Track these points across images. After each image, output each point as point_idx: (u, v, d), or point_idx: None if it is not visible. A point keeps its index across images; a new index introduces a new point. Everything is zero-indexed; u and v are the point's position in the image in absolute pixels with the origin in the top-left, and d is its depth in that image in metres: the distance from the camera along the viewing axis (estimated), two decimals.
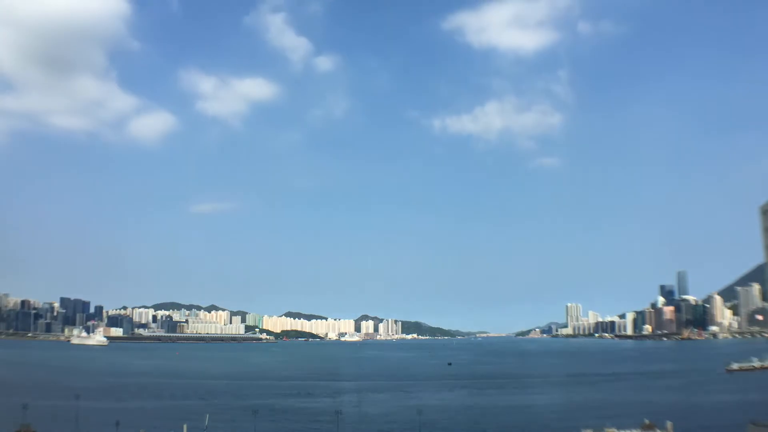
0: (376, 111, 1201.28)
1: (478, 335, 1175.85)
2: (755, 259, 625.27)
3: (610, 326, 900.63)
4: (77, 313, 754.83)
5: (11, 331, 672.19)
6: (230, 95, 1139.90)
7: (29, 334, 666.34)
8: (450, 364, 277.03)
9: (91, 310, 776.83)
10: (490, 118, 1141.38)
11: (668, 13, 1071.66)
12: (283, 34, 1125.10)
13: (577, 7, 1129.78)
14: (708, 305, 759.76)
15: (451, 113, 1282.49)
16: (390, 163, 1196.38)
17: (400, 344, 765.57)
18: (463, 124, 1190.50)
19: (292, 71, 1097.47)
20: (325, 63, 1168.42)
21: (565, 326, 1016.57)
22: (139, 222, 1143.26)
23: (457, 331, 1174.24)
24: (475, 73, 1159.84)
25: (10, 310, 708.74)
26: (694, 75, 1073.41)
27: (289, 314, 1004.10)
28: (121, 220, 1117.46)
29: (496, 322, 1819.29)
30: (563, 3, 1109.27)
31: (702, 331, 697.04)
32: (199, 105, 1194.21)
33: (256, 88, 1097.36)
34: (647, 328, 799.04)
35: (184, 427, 78.60)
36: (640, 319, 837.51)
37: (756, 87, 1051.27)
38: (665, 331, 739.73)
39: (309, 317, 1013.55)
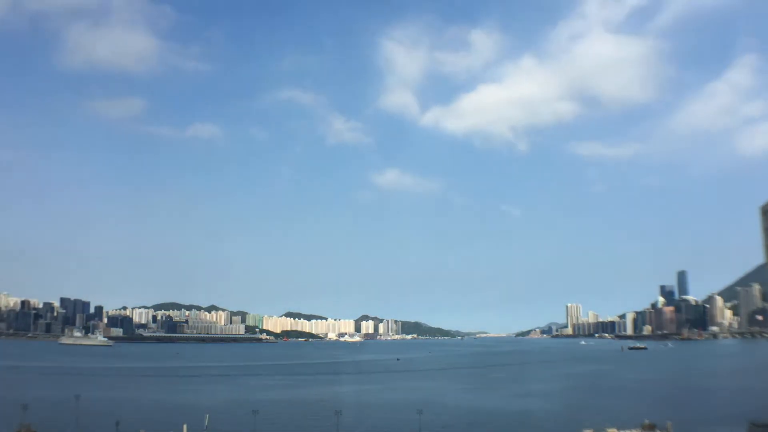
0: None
1: (477, 335, 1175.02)
2: (755, 259, 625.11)
3: (610, 326, 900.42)
4: (77, 313, 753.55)
5: (11, 331, 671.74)
6: None
7: (29, 335, 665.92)
8: (398, 359, 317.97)
9: (91, 310, 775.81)
10: None
11: None
12: None
13: None
14: (708, 305, 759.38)
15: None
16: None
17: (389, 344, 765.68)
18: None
19: None
20: None
21: (565, 326, 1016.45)
22: (140, 222, 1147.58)
23: (457, 331, 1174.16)
24: None
25: (10, 310, 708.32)
26: None
27: (289, 314, 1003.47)
28: (122, 219, 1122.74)
29: (496, 322, 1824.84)
30: None
31: (702, 332, 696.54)
32: None
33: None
34: (647, 329, 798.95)
35: (184, 427, 78.55)
36: (640, 319, 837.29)
37: None
38: (665, 332, 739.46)
39: (309, 317, 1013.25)
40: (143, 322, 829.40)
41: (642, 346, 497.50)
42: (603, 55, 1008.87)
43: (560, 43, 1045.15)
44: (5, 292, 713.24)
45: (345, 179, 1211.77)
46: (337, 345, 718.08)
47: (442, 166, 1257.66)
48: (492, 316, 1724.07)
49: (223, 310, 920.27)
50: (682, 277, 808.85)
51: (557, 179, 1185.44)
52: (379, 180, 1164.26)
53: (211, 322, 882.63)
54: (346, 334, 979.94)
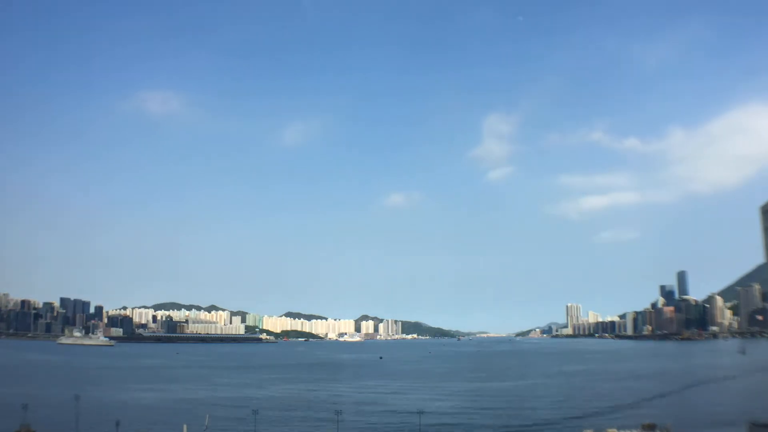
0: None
1: (477, 335, 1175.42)
2: (755, 259, 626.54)
3: (610, 326, 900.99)
4: (77, 313, 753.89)
5: (11, 331, 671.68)
6: None
7: (29, 334, 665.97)
8: (381, 357, 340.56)
9: (91, 310, 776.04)
10: None
11: None
12: None
13: None
14: (708, 305, 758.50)
15: None
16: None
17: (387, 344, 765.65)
18: None
19: None
20: None
21: (565, 326, 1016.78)
22: (140, 222, 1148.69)
23: (457, 331, 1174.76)
24: None
25: (10, 310, 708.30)
26: None
27: (289, 314, 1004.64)
28: (120, 220, 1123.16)
29: (496, 322, 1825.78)
30: None
31: (702, 332, 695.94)
32: None
33: None
34: (647, 329, 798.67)
35: (184, 427, 78.49)
36: (640, 319, 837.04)
37: None
38: (665, 332, 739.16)
39: (309, 317, 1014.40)
40: (143, 322, 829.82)
41: None
42: None
43: None
44: (5, 292, 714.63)
45: (361, 192, 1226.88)
46: (335, 345, 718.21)
47: (460, 196, 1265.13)
48: (492, 316, 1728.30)
49: (223, 310, 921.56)
50: (682, 277, 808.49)
51: (556, 199, 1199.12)
52: (395, 198, 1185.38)
53: (211, 322, 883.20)
54: (345, 334, 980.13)
